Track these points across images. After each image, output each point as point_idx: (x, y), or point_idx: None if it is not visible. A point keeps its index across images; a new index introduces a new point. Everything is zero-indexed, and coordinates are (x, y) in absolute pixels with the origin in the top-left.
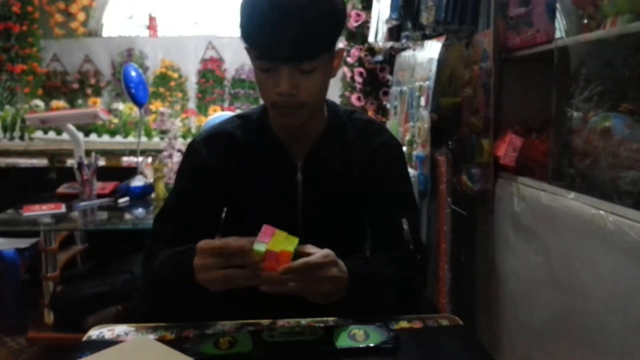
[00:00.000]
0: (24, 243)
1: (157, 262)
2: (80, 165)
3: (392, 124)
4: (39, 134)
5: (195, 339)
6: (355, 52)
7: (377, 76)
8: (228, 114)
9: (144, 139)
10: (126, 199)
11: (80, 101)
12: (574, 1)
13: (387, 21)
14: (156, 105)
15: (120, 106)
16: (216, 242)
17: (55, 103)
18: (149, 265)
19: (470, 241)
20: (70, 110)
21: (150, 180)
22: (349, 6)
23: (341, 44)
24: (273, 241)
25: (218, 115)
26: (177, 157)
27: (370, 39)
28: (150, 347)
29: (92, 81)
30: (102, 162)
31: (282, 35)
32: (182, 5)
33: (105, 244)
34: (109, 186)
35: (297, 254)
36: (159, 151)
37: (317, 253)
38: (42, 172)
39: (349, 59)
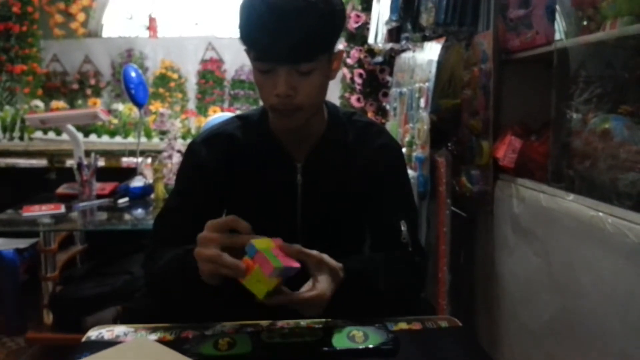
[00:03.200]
0: (23, 243)
1: (162, 260)
2: (79, 165)
3: (392, 125)
4: (38, 134)
5: (194, 340)
6: (355, 53)
7: (377, 77)
8: (228, 114)
9: (143, 139)
10: (126, 199)
11: (80, 102)
12: (573, 3)
13: (387, 22)
14: (156, 106)
15: (120, 107)
16: (229, 217)
17: (55, 103)
18: (151, 265)
19: (470, 243)
20: (70, 110)
21: (150, 180)
22: (348, 7)
23: (341, 45)
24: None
25: (218, 116)
26: (176, 158)
27: (370, 40)
28: (150, 348)
29: (92, 82)
30: (101, 163)
31: (280, 37)
32: (182, 6)
33: (105, 245)
34: (109, 187)
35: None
36: (159, 152)
37: (311, 292)
38: (42, 172)
39: (349, 60)
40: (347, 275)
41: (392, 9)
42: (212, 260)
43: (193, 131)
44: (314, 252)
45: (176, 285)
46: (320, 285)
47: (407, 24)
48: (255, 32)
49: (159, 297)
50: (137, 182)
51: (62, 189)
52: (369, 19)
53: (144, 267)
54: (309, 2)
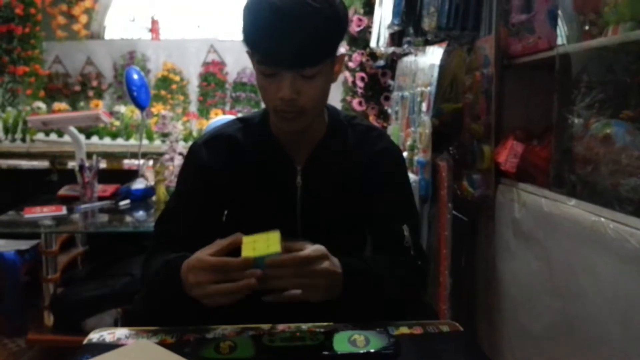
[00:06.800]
0: (24, 245)
1: (154, 267)
2: (81, 167)
3: (394, 129)
4: (40, 136)
5: (195, 343)
6: (357, 56)
7: (379, 81)
8: (229, 117)
9: (145, 141)
10: (127, 201)
11: (82, 103)
12: (575, 8)
13: (389, 26)
14: (158, 108)
15: (122, 109)
16: (209, 259)
17: (57, 105)
18: (147, 269)
19: (471, 247)
20: (72, 112)
21: (152, 183)
22: (351, 11)
23: (343, 48)
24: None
25: (220, 118)
26: (178, 160)
27: (372, 44)
28: (151, 351)
29: (94, 83)
30: (103, 165)
31: (285, 41)
32: (184, 9)
33: (106, 247)
34: (110, 189)
35: (288, 250)
36: (161, 154)
37: (307, 248)
38: (44, 174)
39: (351, 64)
40: (349, 271)
41: (394, 13)
42: (213, 295)
43: (195, 133)
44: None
45: (161, 294)
46: (313, 245)
47: (409, 28)
48: (260, 36)
49: (150, 301)
50: (138, 185)
51: (63, 191)
52: (371, 22)
53: (142, 268)
54: (314, 6)
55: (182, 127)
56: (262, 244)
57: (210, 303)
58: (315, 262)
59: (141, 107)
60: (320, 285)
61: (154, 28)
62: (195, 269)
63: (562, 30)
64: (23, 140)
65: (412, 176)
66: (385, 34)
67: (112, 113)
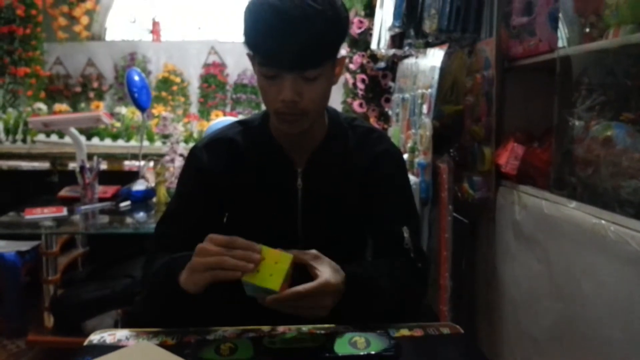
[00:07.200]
0: (25, 246)
1: (152, 271)
2: (82, 168)
3: (394, 130)
4: (41, 137)
5: (196, 345)
6: (357, 58)
7: (380, 83)
8: (230, 119)
9: (146, 143)
10: (128, 203)
11: (82, 105)
12: (576, 11)
13: (390, 28)
14: (158, 110)
15: (123, 110)
16: (220, 236)
17: (57, 106)
18: (147, 270)
19: (472, 249)
20: (73, 113)
21: (152, 184)
22: (351, 13)
23: (344, 50)
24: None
25: (220, 120)
26: (179, 162)
27: (373, 45)
28: (151, 352)
29: (95, 85)
30: (104, 166)
31: (287, 43)
32: (185, 11)
33: (106, 248)
34: (111, 190)
35: (298, 262)
36: (161, 155)
37: (315, 281)
38: (44, 175)
39: (352, 66)
40: (350, 279)
41: (395, 15)
42: (214, 267)
43: (195, 135)
44: (310, 250)
45: (161, 294)
46: (323, 274)
47: (410, 30)
48: (262, 38)
49: (150, 302)
50: (139, 186)
51: (64, 192)
52: (372, 24)
53: (142, 270)
54: (316, 8)
55: (183, 128)
56: (267, 268)
57: (195, 280)
58: (318, 297)
59: (142, 108)
60: (321, 314)
61: (155, 29)
62: (211, 239)
63: (562, 32)
64: (24, 141)
65: (412, 178)
66: (386, 36)
67: (112, 114)
